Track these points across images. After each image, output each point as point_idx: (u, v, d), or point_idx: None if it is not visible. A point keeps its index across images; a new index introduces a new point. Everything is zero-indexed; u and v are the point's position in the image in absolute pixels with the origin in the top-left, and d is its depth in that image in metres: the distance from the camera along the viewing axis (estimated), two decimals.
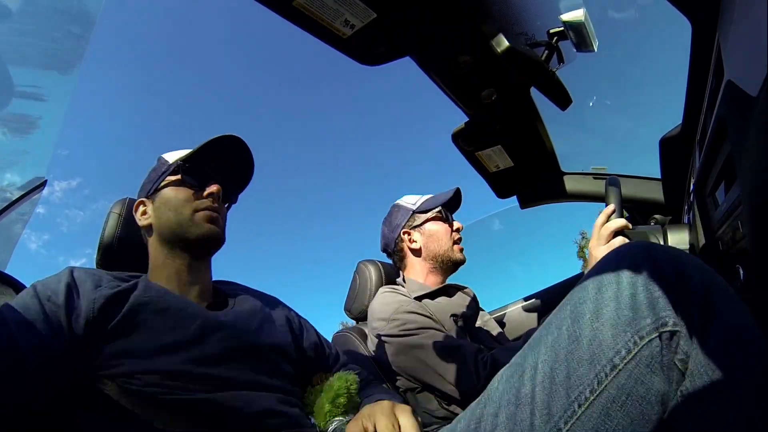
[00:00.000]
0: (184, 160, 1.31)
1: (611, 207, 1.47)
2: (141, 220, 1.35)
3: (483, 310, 2.35)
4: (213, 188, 1.30)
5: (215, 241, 1.31)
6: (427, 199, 2.20)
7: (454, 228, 2.15)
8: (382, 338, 1.89)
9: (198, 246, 1.29)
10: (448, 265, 2.12)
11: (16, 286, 1.39)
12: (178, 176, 1.31)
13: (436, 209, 2.14)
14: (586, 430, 0.69)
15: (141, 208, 1.35)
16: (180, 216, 1.27)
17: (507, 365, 0.87)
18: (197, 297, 1.29)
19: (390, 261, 2.34)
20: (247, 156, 1.40)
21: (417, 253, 2.16)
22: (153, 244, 1.33)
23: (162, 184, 1.32)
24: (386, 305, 1.95)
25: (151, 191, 1.34)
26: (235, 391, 1.07)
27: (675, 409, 0.67)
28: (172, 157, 1.35)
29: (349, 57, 1.50)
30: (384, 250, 2.30)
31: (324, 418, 1.16)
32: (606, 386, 0.69)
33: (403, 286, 2.11)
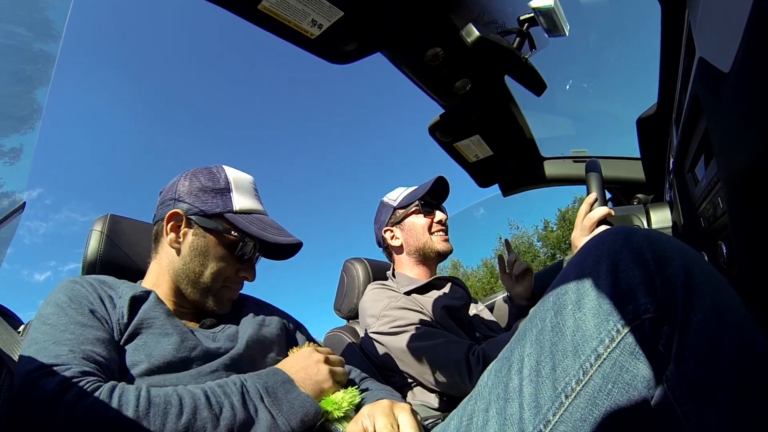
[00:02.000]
0: (243, 233, 1.27)
1: (593, 195, 1.47)
2: (171, 240, 1.26)
3: (475, 302, 2.36)
4: (248, 276, 1.33)
5: (221, 311, 1.31)
6: (408, 193, 2.18)
7: (436, 219, 2.11)
8: (373, 335, 1.89)
9: (201, 307, 1.29)
10: (431, 257, 2.10)
11: (6, 314, 1.38)
12: (229, 237, 1.26)
13: (414, 204, 2.11)
14: (574, 421, 0.69)
15: (178, 228, 1.28)
16: (210, 281, 1.25)
17: (496, 359, 0.87)
18: (193, 315, 1.29)
19: (383, 256, 2.33)
20: (294, 247, 1.39)
21: (400, 249, 2.16)
22: (165, 267, 1.29)
23: (211, 227, 1.26)
24: (376, 302, 1.95)
25: (192, 222, 1.26)
26: None
27: (662, 394, 0.67)
28: (239, 199, 1.31)
29: (319, 57, 1.49)
30: (379, 246, 2.31)
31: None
32: (591, 376, 0.69)
33: (392, 281, 2.11)
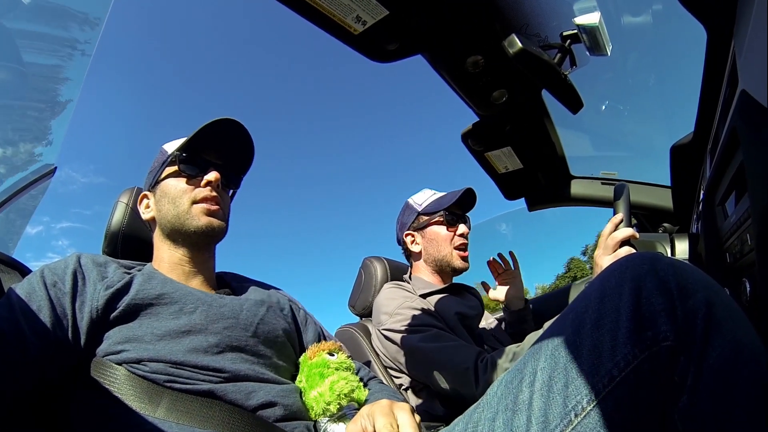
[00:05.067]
0: (181, 149, 1.29)
1: (619, 216, 1.46)
2: (144, 214, 1.36)
3: (487, 312, 2.36)
4: (211, 176, 1.29)
5: (214, 232, 1.30)
6: (434, 200, 2.17)
7: (459, 233, 2.10)
8: (385, 332, 1.91)
9: (197, 238, 1.28)
10: (447, 270, 2.10)
11: (22, 270, 1.40)
12: (176, 167, 1.30)
13: (439, 213, 2.10)
14: None
15: (144, 202, 1.37)
16: (178, 208, 1.27)
17: (508, 370, 0.87)
18: (201, 286, 1.30)
19: (401, 256, 2.34)
20: (246, 138, 1.37)
21: (418, 255, 2.16)
22: (156, 236, 1.34)
23: (162, 176, 1.32)
24: (391, 300, 1.97)
25: (152, 184, 1.35)
26: (237, 382, 1.08)
27: (672, 424, 0.67)
28: (172, 146, 1.34)
29: (360, 53, 1.49)
30: (399, 244, 2.31)
31: (321, 412, 1.16)
32: (603, 397, 0.68)
33: (408, 283, 2.11)
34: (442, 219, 2.09)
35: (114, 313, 1.07)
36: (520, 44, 1.43)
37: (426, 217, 2.13)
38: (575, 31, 1.52)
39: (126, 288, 1.12)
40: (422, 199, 2.20)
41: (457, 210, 2.14)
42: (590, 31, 1.47)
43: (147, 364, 1.02)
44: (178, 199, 1.27)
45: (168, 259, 1.30)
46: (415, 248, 2.15)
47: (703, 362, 0.65)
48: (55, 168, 2.14)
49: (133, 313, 1.09)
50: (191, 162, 1.30)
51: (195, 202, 1.27)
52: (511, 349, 1.62)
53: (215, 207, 1.29)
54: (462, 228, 2.10)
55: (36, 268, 1.12)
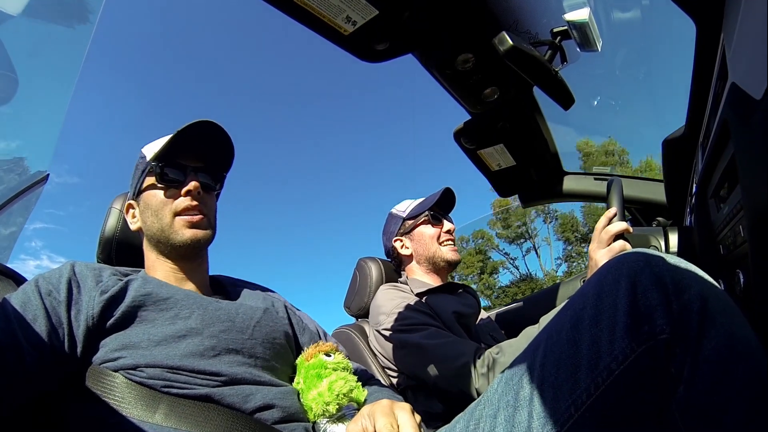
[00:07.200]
0: (157, 159, 1.27)
1: (612, 210, 1.46)
2: (132, 224, 1.35)
3: (483, 310, 2.37)
4: (190, 186, 1.26)
5: (199, 244, 1.29)
6: (417, 205, 2.24)
7: (445, 229, 2.16)
8: (383, 332, 1.92)
9: (183, 251, 1.28)
10: (441, 265, 2.14)
11: (16, 279, 1.39)
12: (149, 179, 1.29)
13: (423, 214, 2.16)
14: None
15: (131, 212, 1.36)
16: (161, 221, 1.26)
17: (507, 368, 0.87)
18: (195, 291, 1.30)
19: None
20: (223, 136, 1.33)
21: (410, 258, 2.21)
22: (146, 245, 1.33)
23: (143, 186, 1.31)
24: (388, 300, 1.98)
25: (135, 193, 1.34)
26: (235, 385, 1.08)
27: (670, 415, 0.68)
28: (151, 150, 1.31)
29: (350, 54, 1.49)
30: (387, 257, 2.35)
31: (321, 413, 1.16)
32: (603, 391, 0.69)
33: (405, 284, 2.12)
34: (427, 219, 2.16)
35: (110, 320, 1.06)
36: (510, 41, 1.43)
37: (411, 221, 2.19)
38: (565, 27, 1.53)
39: (121, 294, 1.11)
40: (404, 207, 2.27)
41: (439, 210, 2.21)
42: (580, 27, 1.47)
43: (144, 370, 1.02)
44: (160, 211, 1.26)
45: (160, 267, 1.30)
46: (405, 252, 2.20)
47: (699, 354, 0.66)
48: (48, 175, 2.13)
49: (128, 319, 1.09)
50: (169, 171, 1.28)
51: (177, 213, 1.26)
52: (507, 343, 1.62)
53: (198, 217, 1.28)
54: (447, 225, 2.17)
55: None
